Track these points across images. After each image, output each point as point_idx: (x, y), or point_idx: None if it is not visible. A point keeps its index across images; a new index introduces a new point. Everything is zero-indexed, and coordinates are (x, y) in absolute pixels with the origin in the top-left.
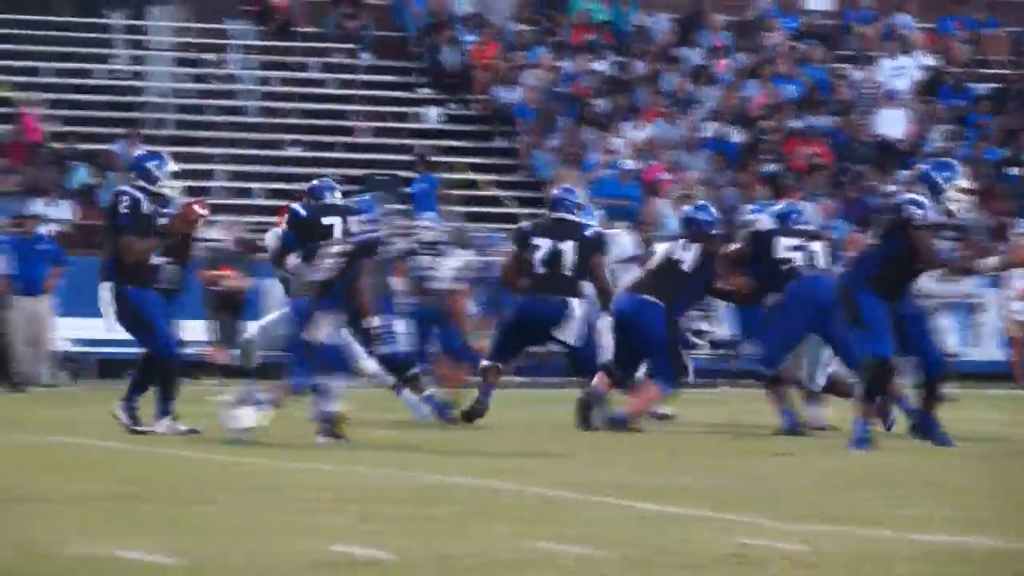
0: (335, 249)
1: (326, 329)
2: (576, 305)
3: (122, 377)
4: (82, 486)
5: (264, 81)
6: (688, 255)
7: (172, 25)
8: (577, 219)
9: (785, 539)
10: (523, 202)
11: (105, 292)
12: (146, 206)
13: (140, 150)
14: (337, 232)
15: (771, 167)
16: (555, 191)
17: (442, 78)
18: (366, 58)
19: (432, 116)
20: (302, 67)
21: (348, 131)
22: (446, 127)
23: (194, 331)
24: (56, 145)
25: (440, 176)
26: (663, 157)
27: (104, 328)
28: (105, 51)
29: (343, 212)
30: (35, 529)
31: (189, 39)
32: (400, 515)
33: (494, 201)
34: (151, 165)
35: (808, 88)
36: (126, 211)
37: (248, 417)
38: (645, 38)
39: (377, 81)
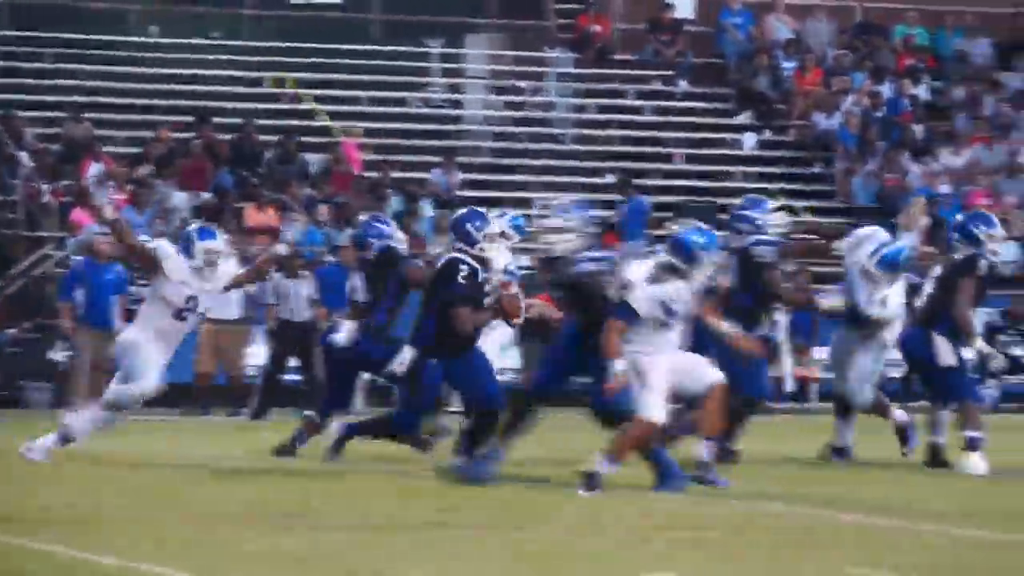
0: None
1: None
2: None
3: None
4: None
5: (580, 108)
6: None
7: (488, 53)
8: None
9: None
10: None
11: (407, 355)
12: (481, 274)
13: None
14: None
15: None
16: None
17: (759, 104)
18: (683, 85)
19: (748, 142)
20: (619, 94)
21: (664, 158)
22: (762, 153)
23: None
24: (372, 174)
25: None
26: (982, 183)
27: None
28: (422, 79)
29: None
30: None
31: (505, 67)
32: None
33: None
34: (471, 226)
35: None
36: (464, 280)
37: (981, 463)
38: (965, 63)
39: (694, 108)
